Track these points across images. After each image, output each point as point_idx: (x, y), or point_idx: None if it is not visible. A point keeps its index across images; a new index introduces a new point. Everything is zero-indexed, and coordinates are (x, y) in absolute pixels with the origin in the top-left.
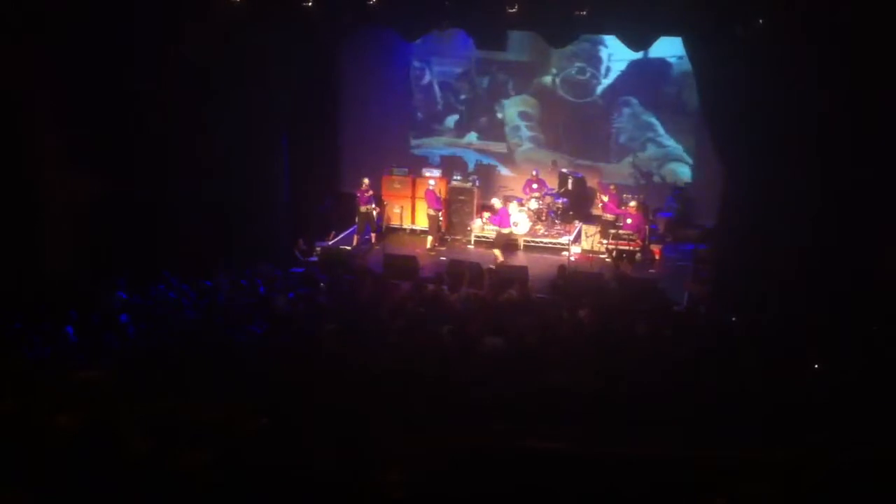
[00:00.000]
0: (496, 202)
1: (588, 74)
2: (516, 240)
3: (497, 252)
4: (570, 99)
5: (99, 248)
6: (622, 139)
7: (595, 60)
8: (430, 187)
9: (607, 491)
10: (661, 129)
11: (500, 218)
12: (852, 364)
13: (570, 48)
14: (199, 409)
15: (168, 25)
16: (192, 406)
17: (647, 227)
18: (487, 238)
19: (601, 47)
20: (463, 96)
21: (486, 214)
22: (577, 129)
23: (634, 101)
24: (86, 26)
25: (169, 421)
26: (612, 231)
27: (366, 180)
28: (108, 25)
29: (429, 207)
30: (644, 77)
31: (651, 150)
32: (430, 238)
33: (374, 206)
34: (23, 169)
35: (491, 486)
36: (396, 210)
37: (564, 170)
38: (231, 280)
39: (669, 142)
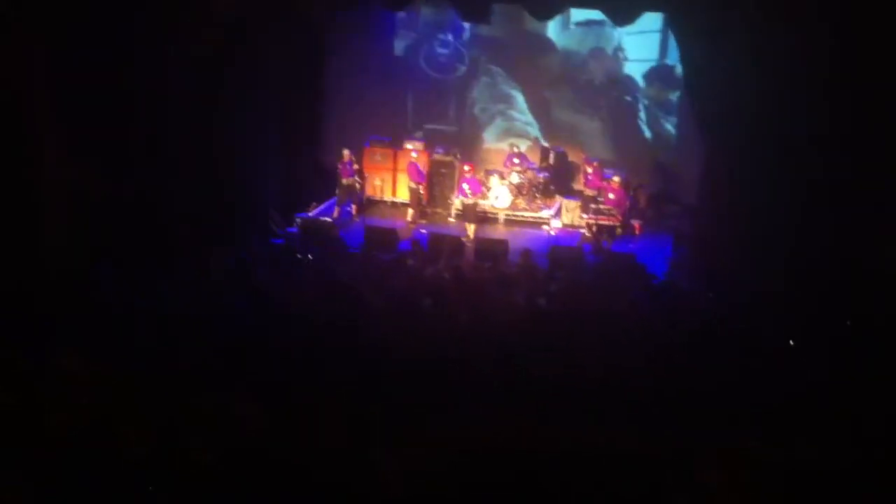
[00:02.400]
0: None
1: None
2: (486, 213)
3: (469, 227)
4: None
5: (96, 237)
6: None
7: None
8: (413, 160)
9: (587, 481)
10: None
11: (472, 185)
12: (830, 347)
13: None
14: (196, 401)
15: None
16: (190, 399)
17: (628, 202)
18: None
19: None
20: None
21: (466, 170)
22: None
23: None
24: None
25: (167, 414)
26: (593, 206)
27: (346, 151)
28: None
29: (410, 180)
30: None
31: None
32: (410, 211)
33: (356, 178)
34: (22, 156)
35: (479, 478)
36: (377, 182)
37: (546, 144)
38: (222, 263)
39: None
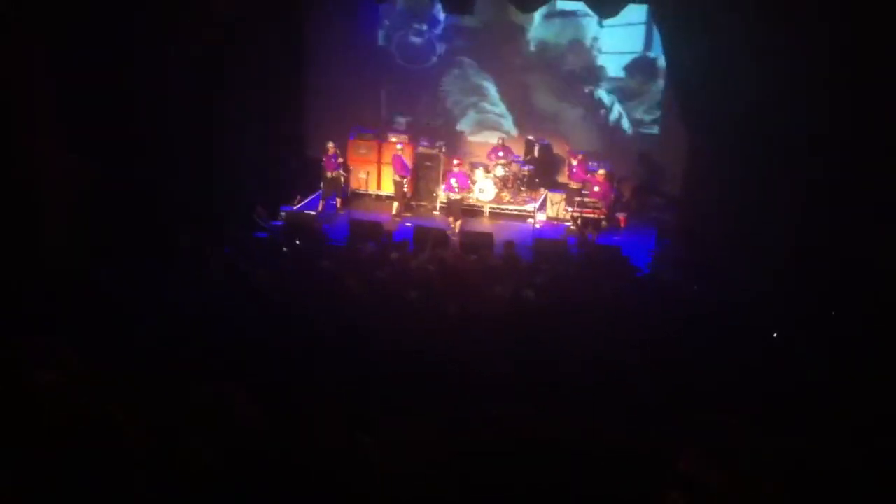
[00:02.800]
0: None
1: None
2: (471, 206)
3: (455, 223)
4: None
5: (94, 235)
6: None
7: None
8: (398, 152)
9: (568, 470)
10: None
11: (460, 179)
12: (815, 338)
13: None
14: (193, 394)
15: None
16: (187, 392)
17: (612, 194)
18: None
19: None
20: None
21: (455, 164)
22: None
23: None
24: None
25: (163, 408)
26: (578, 199)
27: (331, 144)
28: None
29: (395, 173)
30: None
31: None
32: (395, 204)
33: (341, 171)
34: (21, 155)
35: (470, 467)
36: (362, 175)
37: (531, 137)
38: (213, 256)
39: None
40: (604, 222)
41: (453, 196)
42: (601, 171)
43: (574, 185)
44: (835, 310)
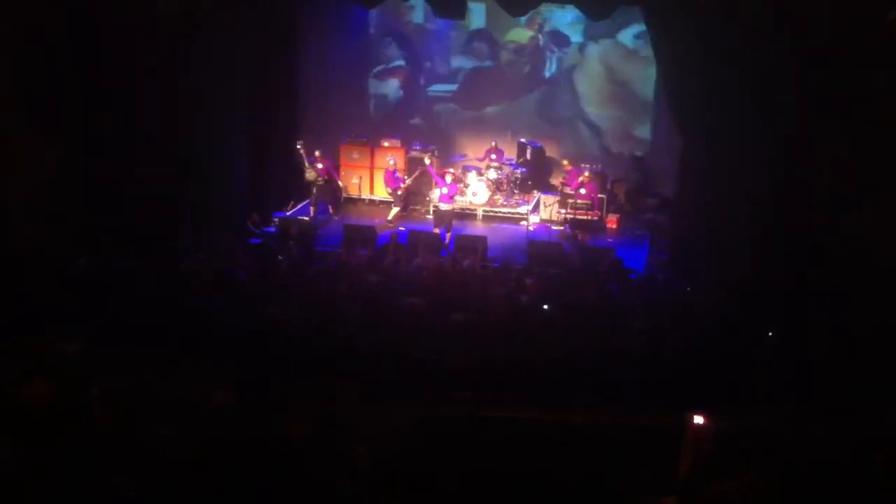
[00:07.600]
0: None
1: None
2: (462, 208)
3: (447, 234)
4: None
5: (64, 220)
6: None
7: None
8: (389, 166)
9: (563, 456)
10: None
11: (451, 188)
12: (807, 336)
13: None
14: (166, 383)
15: None
16: (160, 380)
17: (601, 195)
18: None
19: None
20: None
21: (448, 178)
22: None
23: None
24: None
25: (136, 395)
26: (570, 201)
27: (317, 153)
28: None
29: (387, 186)
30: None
31: None
32: (394, 209)
33: (335, 178)
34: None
35: (454, 455)
36: (355, 180)
37: (523, 139)
38: (192, 252)
39: None
40: (597, 223)
41: (443, 207)
42: (586, 173)
43: (567, 187)
44: (829, 307)
